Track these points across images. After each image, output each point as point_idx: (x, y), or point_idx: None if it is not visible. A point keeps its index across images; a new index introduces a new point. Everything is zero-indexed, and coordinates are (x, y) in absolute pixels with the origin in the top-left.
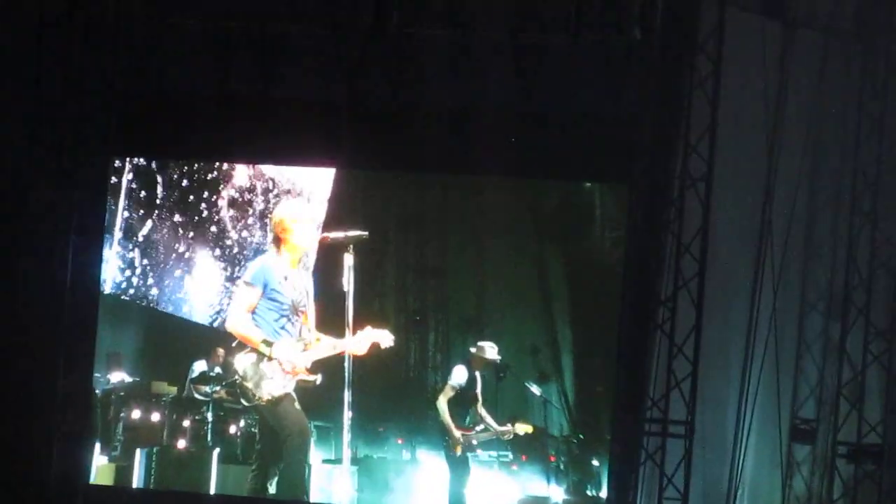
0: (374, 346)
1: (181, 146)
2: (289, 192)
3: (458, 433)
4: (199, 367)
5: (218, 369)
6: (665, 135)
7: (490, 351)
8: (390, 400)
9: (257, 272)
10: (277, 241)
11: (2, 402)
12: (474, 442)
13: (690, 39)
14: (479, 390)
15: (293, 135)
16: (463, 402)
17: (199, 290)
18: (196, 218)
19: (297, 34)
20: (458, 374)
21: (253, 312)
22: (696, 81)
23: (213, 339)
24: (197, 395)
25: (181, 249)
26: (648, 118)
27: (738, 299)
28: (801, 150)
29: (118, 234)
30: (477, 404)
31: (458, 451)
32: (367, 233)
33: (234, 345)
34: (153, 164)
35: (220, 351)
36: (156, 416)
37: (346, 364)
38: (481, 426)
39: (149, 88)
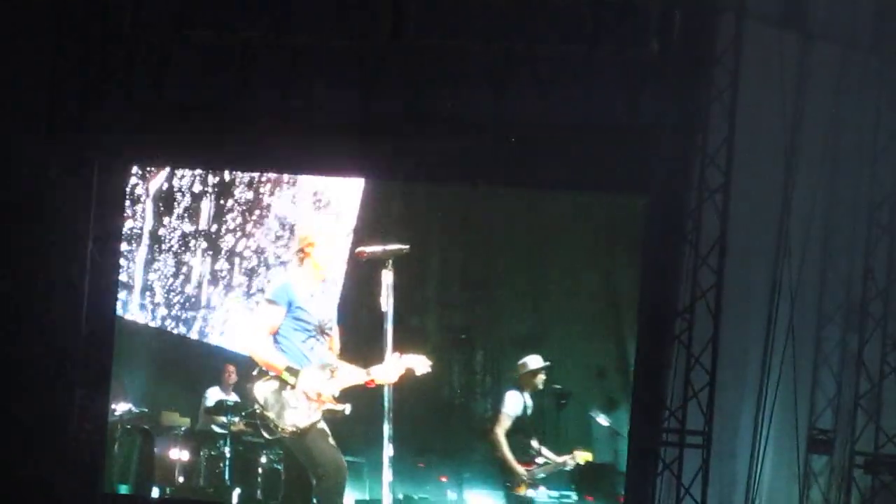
0: (408, 373)
1: (198, 156)
2: (317, 202)
3: (521, 469)
4: (214, 394)
5: (234, 396)
6: (683, 147)
7: (533, 361)
8: (431, 430)
9: (281, 289)
10: (302, 255)
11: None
12: (538, 477)
13: (708, 52)
14: (537, 420)
15: (311, 145)
16: (521, 432)
17: (210, 307)
18: (208, 227)
19: (314, 44)
20: (513, 401)
21: (276, 334)
22: (713, 94)
23: (226, 361)
24: (214, 427)
25: (190, 262)
26: (666, 130)
27: (756, 310)
28: (818, 161)
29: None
30: (540, 437)
31: (524, 491)
32: (408, 246)
33: (254, 373)
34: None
35: (231, 368)
36: (169, 451)
37: (385, 391)
38: (541, 459)
39: (166, 98)
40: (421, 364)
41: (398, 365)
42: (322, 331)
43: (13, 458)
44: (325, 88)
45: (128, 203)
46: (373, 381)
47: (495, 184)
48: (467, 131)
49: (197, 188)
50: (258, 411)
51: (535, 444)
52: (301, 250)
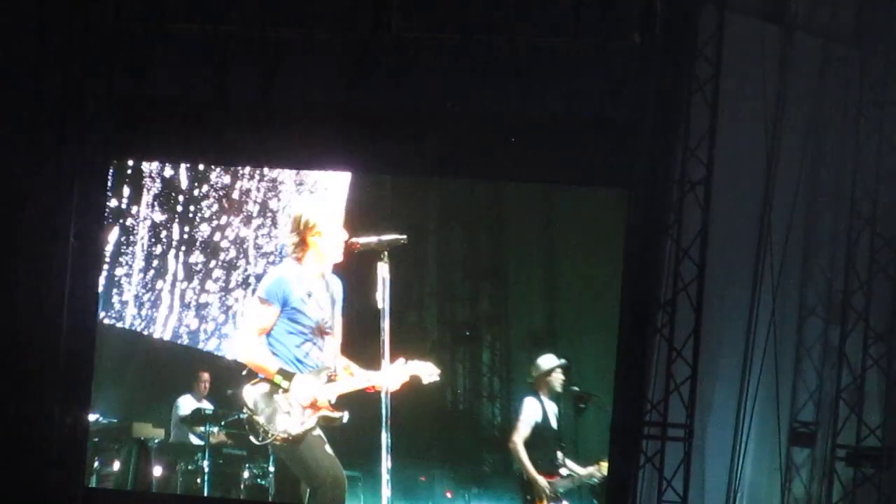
0: (412, 380)
1: (181, 150)
2: (299, 184)
3: (543, 481)
4: (187, 403)
5: (207, 403)
6: (664, 139)
7: (547, 361)
8: (434, 439)
9: (274, 286)
10: (301, 246)
11: None
12: (561, 490)
13: (690, 44)
14: (559, 426)
15: (295, 138)
16: (542, 442)
17: (184, 304)
18: (178, 213)
19: (297, 38)
20: (530, 408)
21: (268, 335)
22: (695, 86)
23: (202, 363)
24: (191, 438)
25: (158, 252)
26: (648, 122)
27: (737, 303)
28: (800, 154)
29: None
30: (562, 445)
31: None
32: (405, 236)
33: (243, 373)
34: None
35: (205, 377)
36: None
37: (382, 397)
38: (564, 471)
39: (148, 92)
40: (428, 372)
41: (402, 372)
42: (321, 332)
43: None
44: (308, 81)
45: None
46: (373, 387)
47: (474, 176)
48: (450, 124)
49: (168, 173)
50: (246, 415)
51: (559, 454)
52: (302, 240)
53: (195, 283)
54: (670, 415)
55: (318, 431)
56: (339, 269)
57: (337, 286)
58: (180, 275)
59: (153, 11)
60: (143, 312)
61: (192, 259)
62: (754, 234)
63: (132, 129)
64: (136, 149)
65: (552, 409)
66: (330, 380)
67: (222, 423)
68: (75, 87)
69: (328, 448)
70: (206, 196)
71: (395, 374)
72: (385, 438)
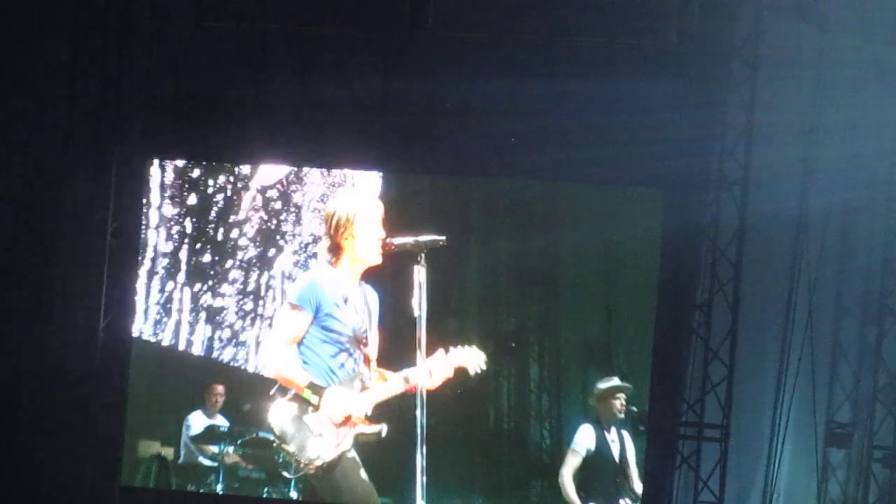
0: (457, 375)
1: (217, 148)
2: (328, 179)
3: None
4: (198, 420)
5: (222, 420)
6: (701, 139)
7: (607, 383)
8: (475, 463)
9: (306, 291)
10: (335, 248)
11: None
12: None
13: (727, 44)
14: (619, 455)
15: (331, 137)
16: (597, 474)
17: (197, 308)
18: (188, 206)
19: (333, 36)
20: (585, 436)
21: (300, 344)
22: (731, 86)
23: (216, 375)
24: (202, 459)
25: (168, 250)
26: (684, 122)
27: (774, 303)
28: (836, 154)
29: None
30: (625, 476)
31: None
32: (444, 238)
33: (271, 392)
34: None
35: (218, 389)
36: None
37: (417, 413)
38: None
39: (184, 90)
40: (474, 360)
41: (445, 364)
42: (358, 342)
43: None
44: (344, 80)
45: None
46: (413, 388)
47: (510, 176)
48: (486, 123)
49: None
50: (274, 444)
51: (617, 487)
52: (335, 242)
53: (209, 284)
54: (706, 415)
55: (352, 453)
56: (372, 273)
57: (373, 296)
58: (192, 275)
59: (189, 10)
60: (150, 317)
61: (204, 258)
62: (791, 234)
63: (169, 128)
64: (172, 148)
65: (612, 438)
66: (363, 388)
67: (238, 441)
68: (112, 87)
69: (363, 473)
70: (223, 189)
71: (435, 368)
72: (419, 461)
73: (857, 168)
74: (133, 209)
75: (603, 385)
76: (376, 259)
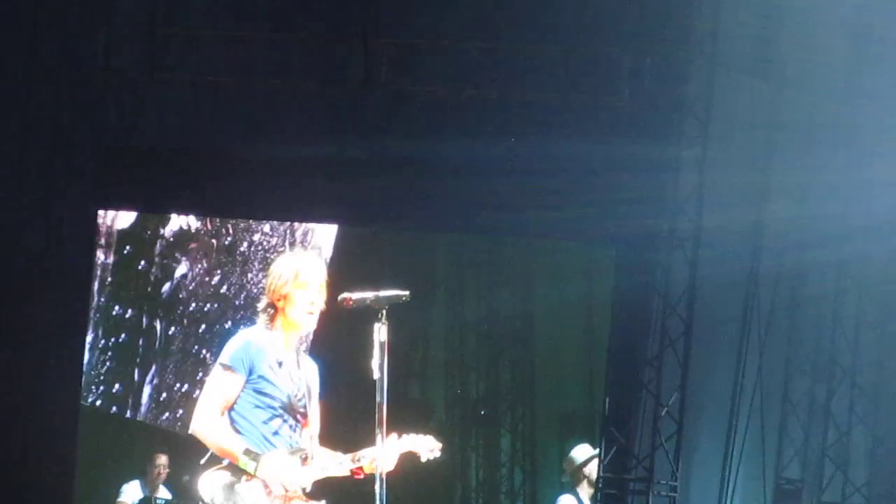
0: (409, 459)
1: (169, 200)
2: (285, 240)
3: None
4: (132, 491)
5: (165, 493)
6: (653, 196)
7: (582, 452)
8: None
9: (240, 352)
10: (271, 310)
11: None
12: None
13: (679, 100)
14: None
15: (283, 189)
16: None
17: (150, 371)
18: (138, 270)
19: (287, 89)
20: None
21: (231, 409)
22: (684, 143)
23: (158, 442)
24: None
25: (115, 311)
26: (637, 179)
27: (724, 359)
28: (787, 212)
29: None
30: None
31: None
32: (407, 293)
33: (202, 461)
34: None
35: (161, 460)
36: None
37: (376, 488)
38: None
39: (137, 142)
40: (427, 447)
41: (395, 449)
42: (294, 411)
43: None
44: (298, 134)
45: None
46: (361, 469)
47: (464, 231)
48: (438, 177)
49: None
50: None
51: None
52: (270, 302)
53: (154, 343)
54: (656, 470)
55: None
56: (327, 333)
57: (311, 367)
58: (134, 332)
59: (141, 62)
60: (92, 378)
61: (150, 315)
62: (741, 291)
63: (120, 179)
64: (122, 199)
65: None
66: (304, 462)
67: None
68: (64, 136)
69: None
70: (169, 243)
71: (386, 452)
72: None
73: (807, 226)
74: (82, 260)
75: (578, 455)
76: (309, 326)
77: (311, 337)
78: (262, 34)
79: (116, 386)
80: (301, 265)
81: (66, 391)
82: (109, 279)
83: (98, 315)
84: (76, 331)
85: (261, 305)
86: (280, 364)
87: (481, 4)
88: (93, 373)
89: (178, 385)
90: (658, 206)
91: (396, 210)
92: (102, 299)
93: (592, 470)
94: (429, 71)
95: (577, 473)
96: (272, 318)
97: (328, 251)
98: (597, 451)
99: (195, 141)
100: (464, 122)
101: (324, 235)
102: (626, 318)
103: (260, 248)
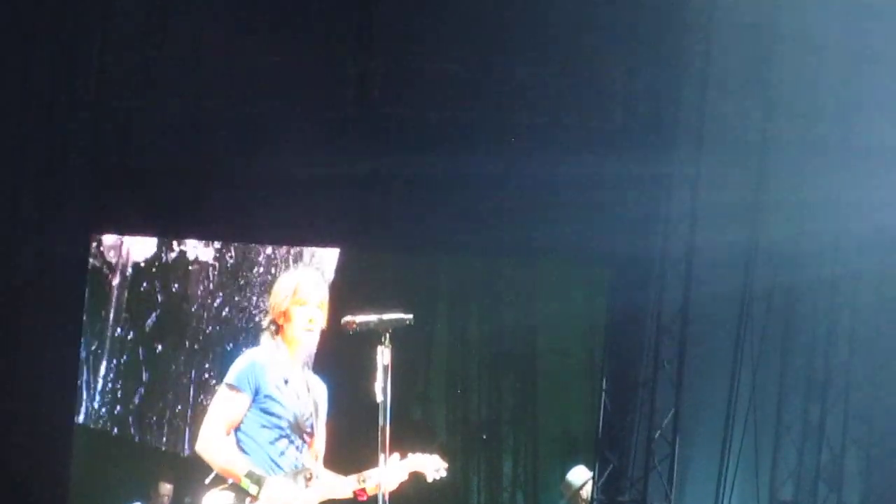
0: (414, 479)
1: (163, 224)
2: (289, 257)
3: None
4: None
5: None
6: (646, 217)
7: (578, 474)
8: None
9: (245, 372)
10: (275, 328)
11: None
12: None
13: (671, 122)
14: None
15: (279, 212)
16: None
17: (154, 394)
18: (128, 278)
19: (278, 111)
20: None
21: (237, 429)
22: (676, 164)
23: (159, 464)
24: None
25: (118, 334)
26: (629, 200)
27: (718, 380)
28: (780, 232)
29: None
30: None
31: None
32: (411, 316)
33: (206, 481)
34: None
35: (167, 488)
36: None
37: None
38: None
39: (129, 166)
40: (433, 466)
41: (400, 469)
42: (301, 430)
43: None
44: (291, 155)
45: None
46: (364, 490)
47: (455, 252)
48: (431, 198)
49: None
50: None
51: None
52: (273, 321)
53: (159, 367)
54: (650, 492)
55: None
56: (329, 354)
57: (320, 387)
58: (141, 357)
59: (133, 85)
60: (98, 401)
61: (152, 337)
62: (735, 312)
63: (114, 202)
64: (117, 222)
65: None
66: (308, 484)
67: None
68: (57, 159)
69: None
70: (171, 266)
71: (390, 472)
72: None
73: (800, 247)
74: (75, 285)
75: (575, 479)
76: (309, 343)
77: (312, 358)
78: (260, 56)
79: (118, 408)
80: (299, 282)
81: (60, 414)
82: (114, 301)
83: (101, 337)
84: (69, 351)
85: (264, 323)
86: (286, 382)
87: (475, 26)
88: (94, 394)
89: (178, 407)
90: (651, 226)
91: (396, 230)
92: (110, 322)
93: (589, 492)
94: (419, 91)
95: (574, 498)
96: (274, 336)
97: (330, 274)
98: (591, 476)
99: (185, 163)
100: (454, 143)
101: (326, 259)
102: (619, 339)
103: (262, 269)
